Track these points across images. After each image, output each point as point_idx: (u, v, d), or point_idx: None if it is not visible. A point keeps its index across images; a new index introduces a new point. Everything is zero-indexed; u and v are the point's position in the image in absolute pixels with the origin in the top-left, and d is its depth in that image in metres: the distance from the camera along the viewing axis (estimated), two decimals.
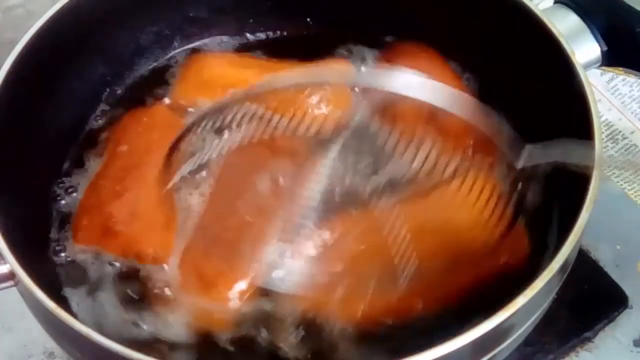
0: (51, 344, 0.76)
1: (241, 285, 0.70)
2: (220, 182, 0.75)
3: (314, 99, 0.79)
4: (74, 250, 0.74)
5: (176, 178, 0.75)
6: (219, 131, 0.76)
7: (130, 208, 0.73)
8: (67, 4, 0.76)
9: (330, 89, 0.80)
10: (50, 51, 0.75)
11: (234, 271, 0.70)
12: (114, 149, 0.78)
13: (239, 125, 0.76)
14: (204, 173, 0.76)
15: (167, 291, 0.71)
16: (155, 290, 0.71)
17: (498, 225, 0.73)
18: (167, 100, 0.83)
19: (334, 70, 0.83)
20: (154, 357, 0.57)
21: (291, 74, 0.81)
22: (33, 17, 0.76)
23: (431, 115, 0.79)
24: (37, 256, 0.72)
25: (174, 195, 0.75)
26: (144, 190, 0.74)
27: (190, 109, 0.81)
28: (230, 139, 0.76)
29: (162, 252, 0.72)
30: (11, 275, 0.63)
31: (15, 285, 0.64)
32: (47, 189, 0.78)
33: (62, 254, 0.74)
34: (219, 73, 0.83)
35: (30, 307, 0.66)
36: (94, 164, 0.80)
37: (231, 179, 0.75)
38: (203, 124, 0.75)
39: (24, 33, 0.73)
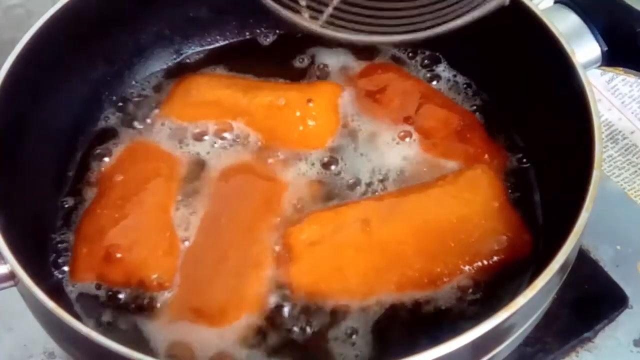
0: (51, 344, 0.76)
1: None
2: (211, 207, 0.76)
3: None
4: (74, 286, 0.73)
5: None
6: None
7: (131, 234, 0.73)
8: (67, 4, 0.76)
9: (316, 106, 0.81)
10: (50, 51, 0.75)
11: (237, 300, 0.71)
12: (109, 179, 0.77)
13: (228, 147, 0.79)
14: (202, 194, 0.77)
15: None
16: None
17: (501, 219, 0.73)
18: (155, 117, 0.83)
19: (322, 89, 0.83)
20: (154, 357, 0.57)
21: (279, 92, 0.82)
22: (33, 17, 0.76)
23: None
24: (37, 256, 0.72)
25: (173, 219, 0.75)
26: (144, 217, 0.74)
27: (178, 129, 0.82)
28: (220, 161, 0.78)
29: (166, 277, 0.71)
30: (11, 275, 0.63)
31: (15, 285, 0.64)
32: (47, 189, 0.78)
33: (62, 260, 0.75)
34: (207, 94, 0.83)
35: (30, 307, 0.66)
36: (94, 166, 0.80)
37: (221, 203, 0.76)
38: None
39: (24, 33, 0.73)
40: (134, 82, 0.87)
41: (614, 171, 0.94)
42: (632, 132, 0.97)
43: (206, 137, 0.81)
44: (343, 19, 0.66)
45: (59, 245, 0.75)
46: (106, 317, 0.71)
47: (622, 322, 0.82)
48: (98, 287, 0.72)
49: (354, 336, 0.69)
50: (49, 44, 0.75)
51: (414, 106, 0.81)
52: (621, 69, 0.87)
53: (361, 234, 0.72)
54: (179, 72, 0.88)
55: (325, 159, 0.79)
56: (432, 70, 0.86)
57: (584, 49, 0.75)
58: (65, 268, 0.73)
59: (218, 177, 0.78)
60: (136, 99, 0.86)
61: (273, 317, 0.70)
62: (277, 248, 0.73)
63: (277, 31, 0.90)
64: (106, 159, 0.80)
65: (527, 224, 0.74)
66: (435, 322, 0.69)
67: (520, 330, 0.64)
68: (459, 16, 0.64)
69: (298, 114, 0.80)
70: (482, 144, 0.80)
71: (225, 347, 0.68)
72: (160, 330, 0.70)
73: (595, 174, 0.65)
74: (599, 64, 0.77)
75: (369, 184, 0.78)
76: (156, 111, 0.84)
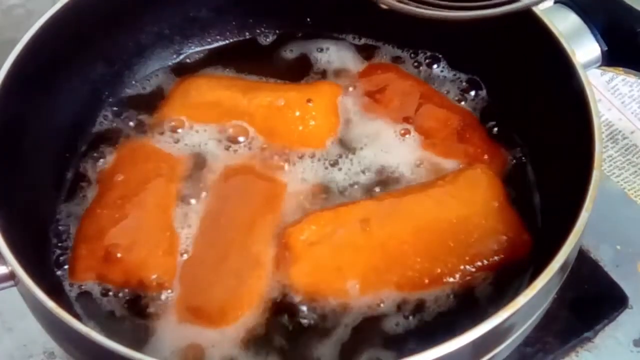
0: (51, 344, 0.76)
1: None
2: (212, 207, 0.76)
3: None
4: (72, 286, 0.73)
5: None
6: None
7: (131, 234, 0.73)
8: (67, 4, 0.76)
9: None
10: (50, 51, 0.75)
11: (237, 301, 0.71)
12: (110, 179, 0.77)
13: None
14: (202, 194, 0.77)
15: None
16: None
17: (500, 219, 0.73)
18: (155, 118, 0.83)
19: (321, 89, 0.83)
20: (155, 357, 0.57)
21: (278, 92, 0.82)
22: (33, 17, 0.76)
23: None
24: (37, 256, 0.72)
25: (173, 219, 0.75)
26: (144, 217, 0.74)
27: (178, 130, 0.82)
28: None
29: (165, 277, 0.72)
30: (11, 275, 0.63)
31: (15, 285, 0.64)
32: (47, 189, 0.78)
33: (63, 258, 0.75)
34: (207, 95, 0.83)
35: (30, 307, 0.66)
36: (94, 166, 0.80)
37: (220, 205, 0.76)
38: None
39: (24, 33, 0.73)
40: (134, 82, 0.87)
41: (614, 171, 0.94)
42: (632, 132, 0.97)
43: (206, 138, 0.81)
44: None
45: (59, 245, 0.75)
46: (106, 317, 0.71)
47: (622, 322, 0.82)
48: (98, 287, 0.72)
49: (353, 336, 0.69)
50: (49, 44, 0.75)
51: (413, 106, 0.82)
52: (621, 69, 0.87)
53: (361, 234, 0.72)
54: (179, 72, 0.88)
55: (325, 159, 0.79)
56: (432, 70, 0.86)
57: (584, 49, 0.75)
58: (66, 268, 0.73)
59: (218, 177, 0.78)
60: (136, 99, 0.86)
61: (273, 317, 0.70)
62: (277, 248, 0.73)
63: (277, 31, 0.90)
64: (106, 159, 0.80)
65: (527, 224, 0.74)
66: (435, 322, 0.69)
67: (520, 330, 0.64)
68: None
69: (298, 114, 0.81)
70: (482, 143, 0.80)
71: (224, 347, 0.68)
72: (160, 330, 0.70)
73: (595, 174, 0.65)
74: (599, 64, 0.77)
75: (368, 184, 0.78)
76: (156, 111, 0.84)
